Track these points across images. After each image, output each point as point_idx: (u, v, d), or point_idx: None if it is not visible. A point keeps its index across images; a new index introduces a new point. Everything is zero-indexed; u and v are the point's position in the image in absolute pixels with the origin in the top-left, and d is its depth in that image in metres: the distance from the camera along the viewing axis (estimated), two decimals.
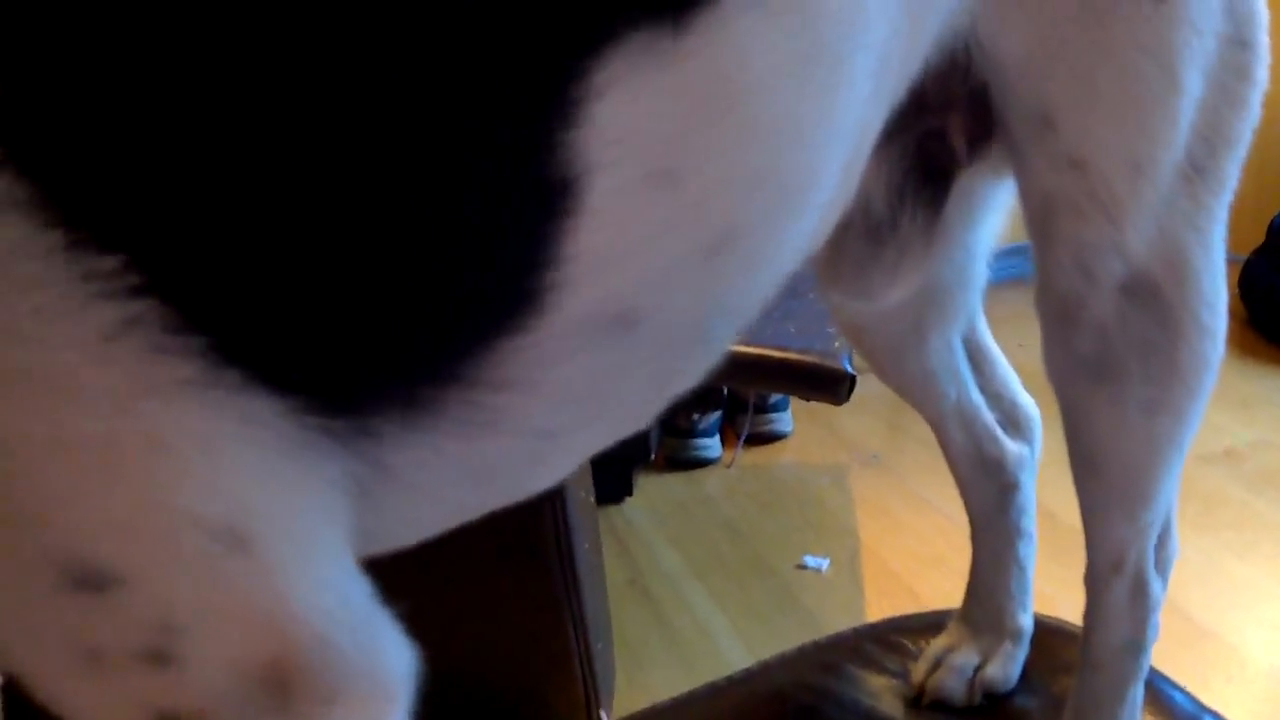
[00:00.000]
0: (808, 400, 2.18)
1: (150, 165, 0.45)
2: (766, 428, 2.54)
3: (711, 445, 2.46)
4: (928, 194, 0.88)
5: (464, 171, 0.50)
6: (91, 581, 0.48)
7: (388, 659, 0.55)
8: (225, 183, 0.46)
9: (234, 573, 0.50)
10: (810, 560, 2.02)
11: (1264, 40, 0.81)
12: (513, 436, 0.58)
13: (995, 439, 1.17)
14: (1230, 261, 2.24)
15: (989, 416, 1.17)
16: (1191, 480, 2.22)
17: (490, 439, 0.57)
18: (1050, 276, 0.83)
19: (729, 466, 2.44)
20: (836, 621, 1.85)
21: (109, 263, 0.44)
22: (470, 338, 0.53)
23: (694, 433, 2.44)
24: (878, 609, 1.88)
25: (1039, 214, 0.82)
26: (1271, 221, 3.01)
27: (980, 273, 1.10)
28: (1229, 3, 0.79)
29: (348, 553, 0.54)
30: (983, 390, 1.17)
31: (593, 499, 1.40)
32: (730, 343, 0.65)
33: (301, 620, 0.51)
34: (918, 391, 1.15)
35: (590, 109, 0.50)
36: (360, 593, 0.54)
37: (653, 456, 2.45)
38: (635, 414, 0.66)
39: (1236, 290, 2.99)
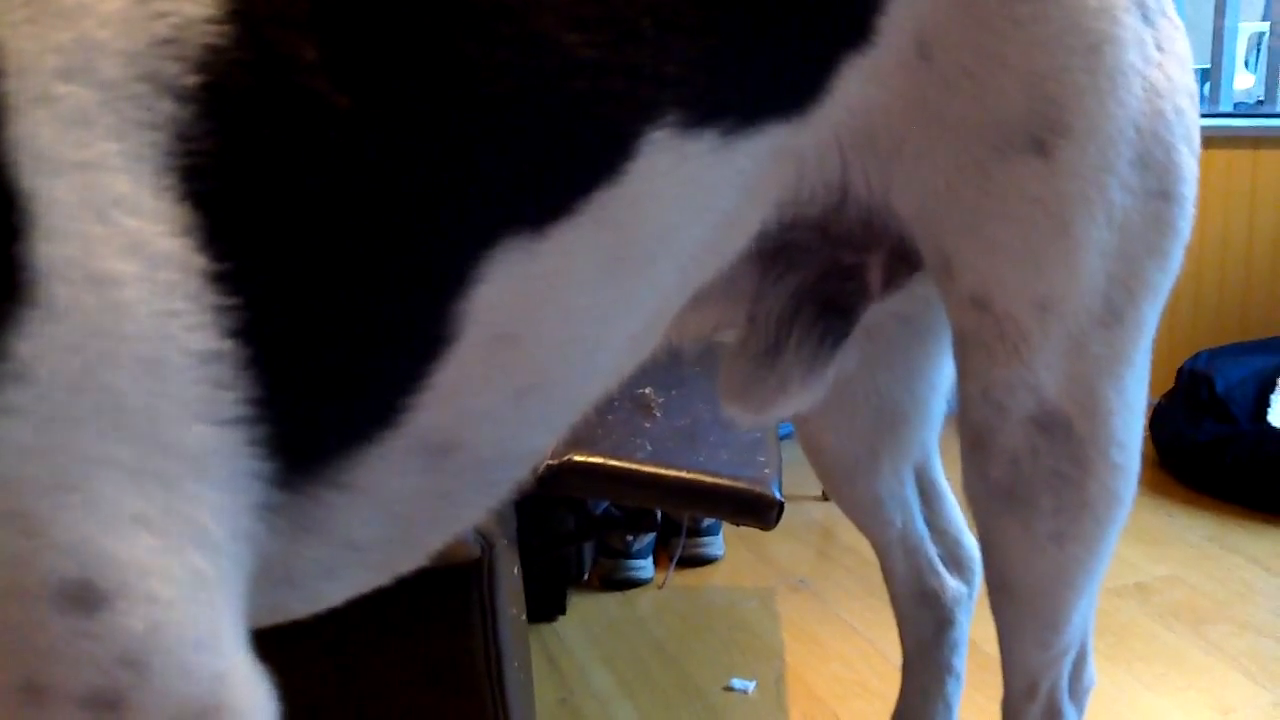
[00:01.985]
0: (738, 525, 2.24)
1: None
2: (698, 550, 2.59)
3: (645, 566, 2.50)
4: (820, 328, 0.92)
5: (386, 317, 0.62)
6: (83, 599, 0.52)
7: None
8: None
9: (213, 599, 0.55)
10: (737, 683, 2.06)
11: (1187, 193, 0.83)
12: (324, 544, 0.66)
13: (936, 573, 1.20)
14: None
15: (932, 550, 1.20)
16: (1104, 614, 2.29)
17: (304, 543, 0.65)
18: (966, 406, 0.87)
19: (661, 587, 2.48)
20: None
21: (230, 301, 0.56)
22: (340, 441, 0.64)
23: (628, 553, 2.48)
24: None
25: (956, 347, 0.86)
26: (1180, 367, 3.14)
27: (938, 406, 1.13)
28: (1142, 156, 0.80)
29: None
30: (929, 524, 1.20)
31: (524, 617, 1.42)
32: (503, 497, 0.77)
33: (239, 667, 0.57)
34: (866, 515, 1.18)
35: (471, 288, 0.64)
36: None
37: (586, 576, 2.49)
38: (422, 545, 0.76)
39: (1148, 432, 3.11)
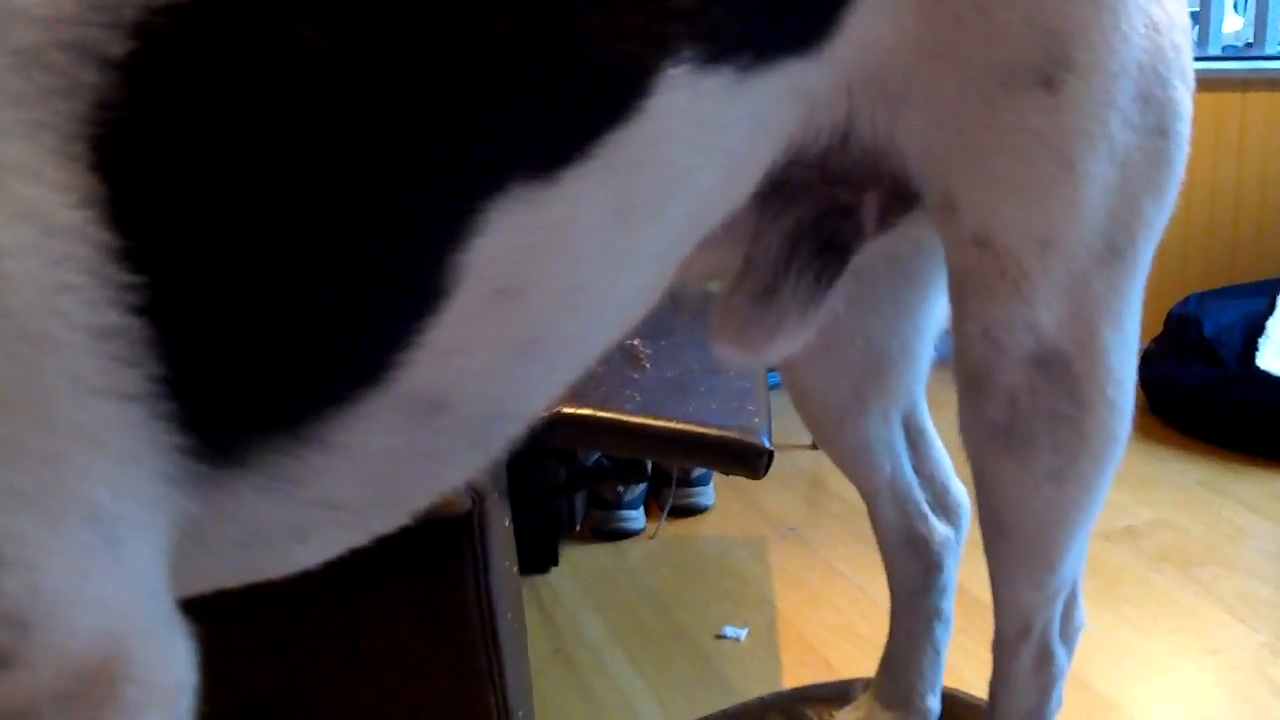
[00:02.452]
0: (728, 475, 2.25)
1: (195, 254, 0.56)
2: (689, 500, 2.60)
3: (636, 517, 2.51)
4: (817, 266, 0.91)
5: (370, 271, 0.60)
6: None
7: (185, 670, 0.61)
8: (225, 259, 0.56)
9: (102, 565, 0.55)
10: (729, 630, 2.07)
11: (1183, 130, 0.83)
12: (300, 503, 0.64)
13: (925, 518, 1.20)
14: None
15: (920, 495, 1.20)
16: (1094, 557, 2.30)
17: (281, 501, 0.63)
18: (963, 346, 0.85)
19: (652, 538, 2.49)
20: (753, 690, 1.89)
21: (134, 278, 0.53)
22: (322, 398, 0.62)
23: (619, 504, 2.49)
24: (793, 678, 1.93)
25: (955, 287, 0.85)
26: (1169, 311, 3.14)
27: (925, 351, 1.12)
28: (1143, 92, 0.80)
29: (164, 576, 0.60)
30: (917, 470, 1.19)
31: (516, 569, 1.43)
32: (493, 456, 0.74)
33: (141, 629, 0.57)
34: (854, 462, 1.18)
35: (470, 240, 0.62)
36: (170, 609, 0.61)
37: (578, 527, 2.49)
38: (402, 506, 0.74)
39: (1138, 376, 3.11)
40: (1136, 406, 2.23)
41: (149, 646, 0.58)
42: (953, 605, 1.20)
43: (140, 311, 0.54)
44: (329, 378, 0.62)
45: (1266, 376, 2.79)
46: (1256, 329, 2.93)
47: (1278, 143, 3.45)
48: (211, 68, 0.55)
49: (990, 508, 0.91)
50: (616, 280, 0.72)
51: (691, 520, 2.58)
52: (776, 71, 0.73)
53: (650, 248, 0.73)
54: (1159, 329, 3.15)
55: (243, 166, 0.56)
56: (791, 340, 0.93)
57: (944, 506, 1.20)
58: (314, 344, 0.60)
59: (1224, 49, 4.42)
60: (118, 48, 0.52)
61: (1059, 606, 0.97)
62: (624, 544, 2.46)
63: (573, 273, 0.68)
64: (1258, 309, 3.00)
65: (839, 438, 1.16)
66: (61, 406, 0.52)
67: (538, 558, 2.31)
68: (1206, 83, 3.52)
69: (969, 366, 0.86)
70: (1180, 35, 0.82)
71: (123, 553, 0.56)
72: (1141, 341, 2.75)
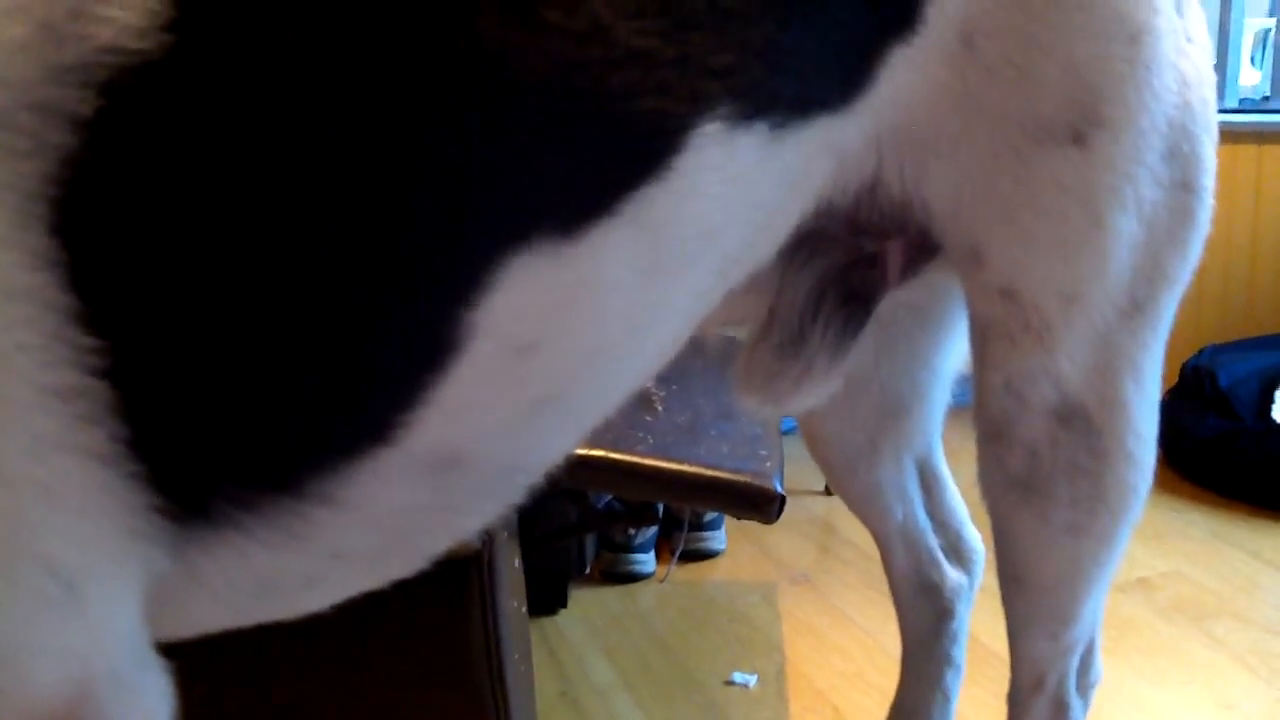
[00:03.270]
0: (740, 519, 2.24)
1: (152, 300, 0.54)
2: (700, 545, 2.59)
3: (646, 560, 2.50)
4: (842, 316, 0.91)
5: (375, 328, 0.58)
6: None
7: (158, 715, 0.60)
8: (183, 315, 0.55)
9: (62, 615, 0.55)
10: (738, 676, 2.06)
11: (1208, 185, 0.84)
12: (310, 555, 0.64)
13: (937, 564, 1.19)
14: None
15: (933, 541, 1.19)
16: (1107, 608, 2.28)
17: (290, 553, 0.63)
18: (985, 396, 0.86)
19: (662, 581, 2.48)
20: None
21: (94, 341, 0.52)
22: (328, 456, 0.61)
23: (630, 548, 2.48)
24: None
25: (977, 337, 0.86)
26: (1184, 364, 3.14)
27: (941, 397, 1.12)
28: (1171, 148, 0.80)
29: (142, 623, 0.59)
30: (930, 515, 1.19)
31: (525, 610, 1.42)
32: (510, 505, 0.73)
33: (106, 675, 0.57)
34: (867, 506, 1.18)
35: (486, 295, 0.60)
36: (143, 655, 0.60)
37: (588, 570, 2.49)
38: (415, 555, 0.73)
39: None
40: None
41: (116, 693, 0.58)
42: (964, 652, 1.19)
43: (102, 374, 0.53)
44: (331, 436, 0.61)
45: None
46: (1272, 382, 2.92)
47: None
48: (197, 120, 0.53)
49: (1008, 559, 0.91)
50: (640, 338, 0.71)
51: (702, 565, 2.57)
52: (810, 128, 0.72)
53: (676, 305, 0.72)
54: (1174, 381, 3.14)
55: (229, 222, 0.54)
56: (818, 391, 0.93)
57: (957, 553, 1.20)
58: (313, 402, 0.59)
59: (1241, 102, 4.43)
60: (87, 108, 0.51)
61: (1075, 660, 0.97)
62: (634, 587, 2.45)
63: (596, 330, 0.67)
64: (1273, 362, 2.99)
65: (852, 482, 1.16)
66: (17, 462, 0.52)
67: (547, 599, 2.30)
68: (1223, 135, 3.52)
69: (990, 417, 0.86)
70: (1208, 89, 0.83)
71: (86, 603, 0.55)
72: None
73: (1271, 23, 4.39)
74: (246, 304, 0.55)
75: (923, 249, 0.87)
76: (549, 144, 0.60)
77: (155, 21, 0.52)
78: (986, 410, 0.86)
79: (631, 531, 2.47)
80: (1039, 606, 0.93)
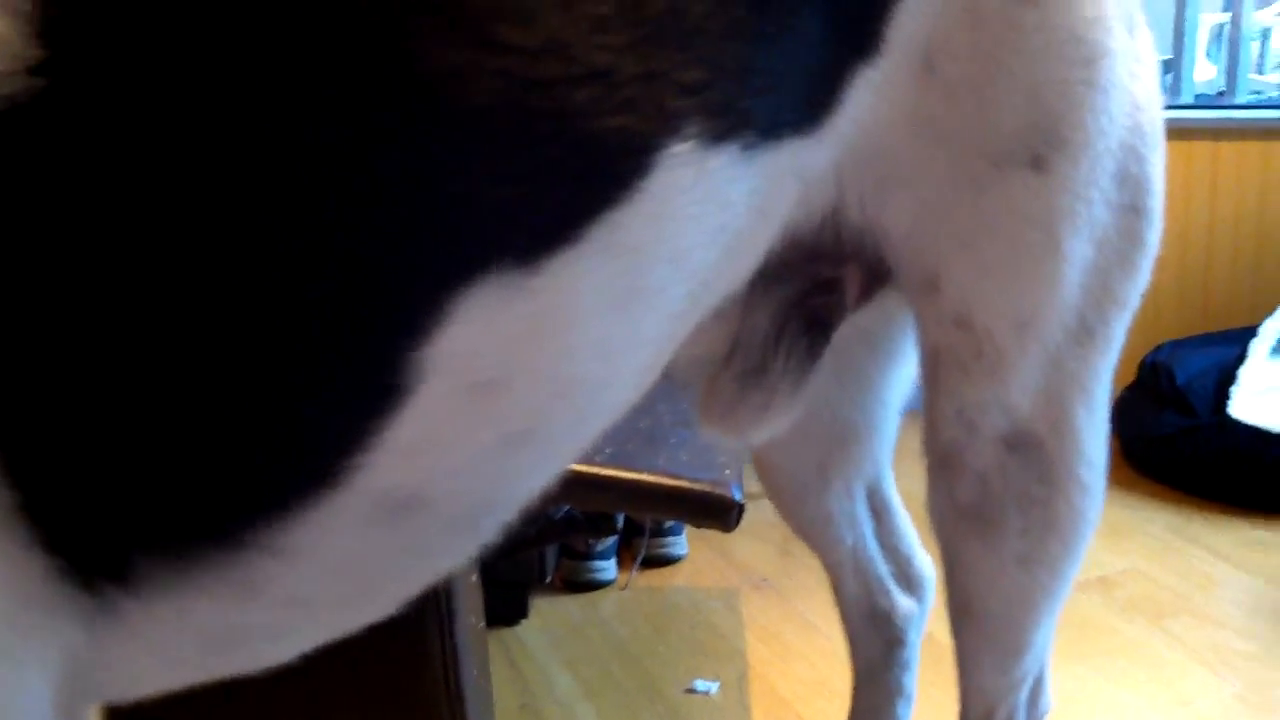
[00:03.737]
0: (699, 527, 2.23)
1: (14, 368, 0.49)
2: (661, 551, 2.58)
3: (608, 568, 2.50)
4: (804, 343, 0.89)
5: (310, 367, 0.54)
6: None
7: None
8: (63, 379, 0.50)
9: None
10: (700, 684, 2.05)
11: (1157, 207, 0.83)
12: (267, 604, 0.60)
13: (887, 592, 1.18)
14: None
15: (883, 568, 1.18)
16: (1065, 607, 2.29)
17: (241, 606, 0.59)
18: (935, 425, 0.84)
19: (624, 588, 2.48)
20: None
21: None
22: (264, 505, 0.56)
23: (591, 555, 2.47)
24: None
25: (928, 365, 0.84)
26: (1142, 360, 3.15)
27: (890, 423, 1.11)
28: (1122, 171, 0.79)
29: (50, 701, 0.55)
30: (880, 542, 1.17)
31: (483, 624, 1.41)
32: (489, 540, 0.69)
33: None
34: (816, 533, 1.16)
35: (439, 332, 0.57)
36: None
37: (549, 579, 2.48)
38: (386, 598, 0.69)
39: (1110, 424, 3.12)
40: (1112, 453, 2.21)
41: None
42: (915, 681, 1.18)
43: None
44: (269, 483, 0.56)
45: (1239, 425, 2.79)
46: (1228, 377, 2.94)
47: (1249, 191, 3.47)
48: (86, 156, 0.49)
49: (958, 589, 0.90)
50: (616, 367, 0.68)
51: (664, 571, 2.56)
52: (779, 151, 0.70)
53: (650, 332, 0.69)
54: (1131, 377, 3.16)
55: (135, 257, 0.50)
56: (780, 420, 0.91)
57: (908, 579, 1.18)
58: (246, 449, 0.55)
59: (1196, 97, 4.46)
60: None
61: (1024, 693, 0.95)
62: (595, 595, 2.45)
63: (566, 363, 0.63)
64: (1230, 357, 3.01)
65: (802, 510, 1.14)
66: None
67: (507, 610, 2.29)
68: (1179, 132, 3.56)
69: (940, 446, 0.85)
70: (1157, 111, 0.82)
71: (52, 683, 0.53)
72: (1114, 390, 2.74)
73: (1226, 17, 4.43)
74: (158, 344, 0.51)
75: (878, 273, 0.86)
76: (505, 169, 0.56)
77: (20, 64, 0.47)
78: (937, 439, 0.85)
79: (591, 540, 2.46)
80: (988, 638, 0.91)
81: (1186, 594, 2.35)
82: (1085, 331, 0.81)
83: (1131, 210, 0.81)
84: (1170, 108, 4.27)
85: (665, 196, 0.63)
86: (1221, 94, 4.45)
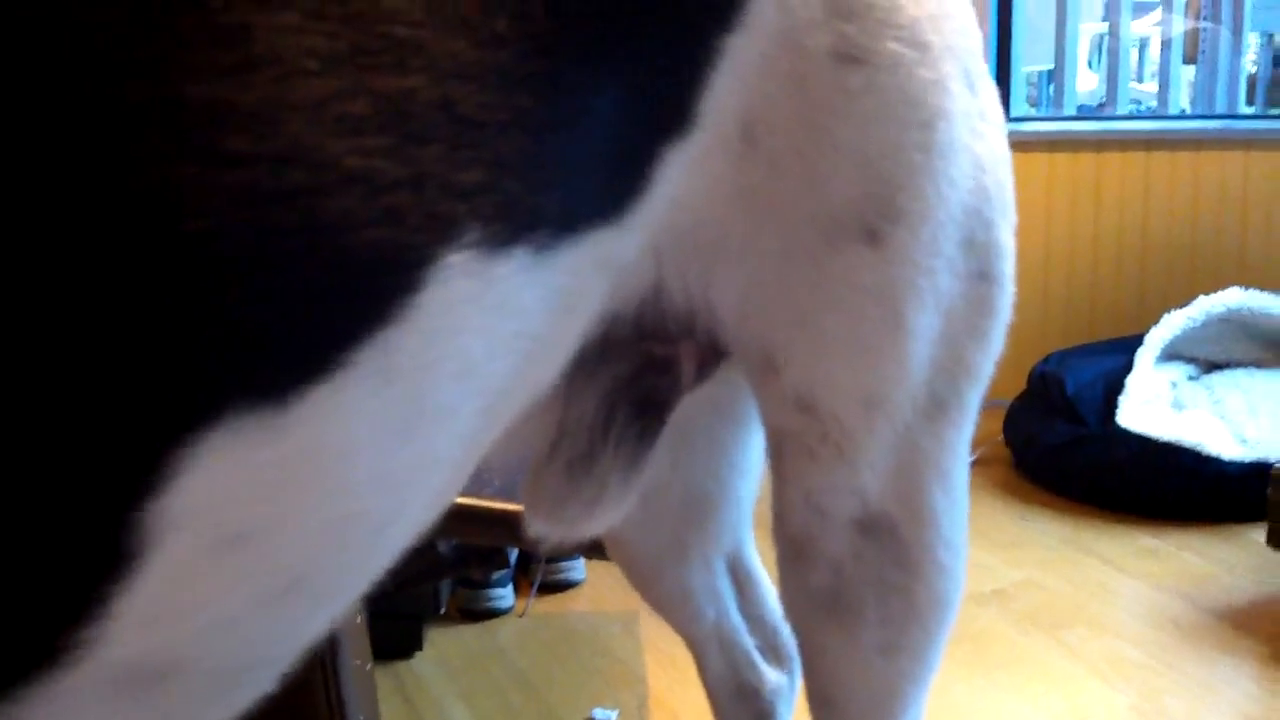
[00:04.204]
0: (589, 559, 2.20)
1: None
2: (560, 576, 2.55)
3: (505, 595, 2.45)
4: (636, 428, 0.84)
5: (20, 537, 0.47)
6: None
7: None
8: None
9: None
10: (599, 713, 2.02)
11: (1007, 271, 0.79)
12: None
13: (754, 665, 1.13)
14: (994, 407, 2.40)
15: (749, 641, 1.13)
16: (962, 620, 2.28)
17: None
18: (784, 512, 0.80)
19: (522, 615, 2.44)
20: None
21: None
22: None
23: (487, 583, 2.43)
24: None
25: (773, 449, 0.80)
26: (1032, 369, 3.20)
27: (748, 491, 1.05)
28: (968, 237, 0.75)
29: None
30: (744, 614, 1.13)
31: (370, 665, 1.37)
32: (265, 690, 0.62)
33: None
34: (676, 611, 1.10)
35: (171, 485, 0.49)
36: None
37: (443, 609, 2.42)
38: None
39: (1002, 435, 3.16)
40: (1001, 464, 2.23)
41: None
42: None
43: None
44: None
45: (1127, 434, 2.84)
46: (1117, 386, 2.99)
47: (1132, 202, 3.54)
48: None
49: (817, 681, 0.85)
50: (401, 498, 0.61)
51: (562, 596, 2.53)
52: (581, 245, 0.64)
53: (440, 455, 0.62)
54: (1022, 387, 3.20)
55: None
56: (614, 511, 0.85)
57: (774, 651, 1.14)
58: None
59: (1079, 108, 4.56)
60: None
61: None
62: (493, 624, 2.40)
63: (336, 503, 0.56)
64: (1117, 366, 3.06)
65: (659, 587, 1.09)
66: None
67: (400, 642, 2.24)
68: (1062, 144, 3.63)
69: (790, 533, 0.81)
70: (1003, 170, 0.78)
71: None
72: (1005, 399, 2.78)
73: (1105, 27, 4.53)
74: None
75: (717, 348, 0.81)
76: (242, 296, 0.49)
77: None
78: (786, 527, 0.80)
79: (487, 567, 2.42)
80: None
81: (1082, 604, 2.38)
82: (937, 406, 0.77)
83: (980, 277, 0.77)
84: (1053, 119, 4.36)
85: (445, 311, 0.56)
86: (1103, 104, 4.54)
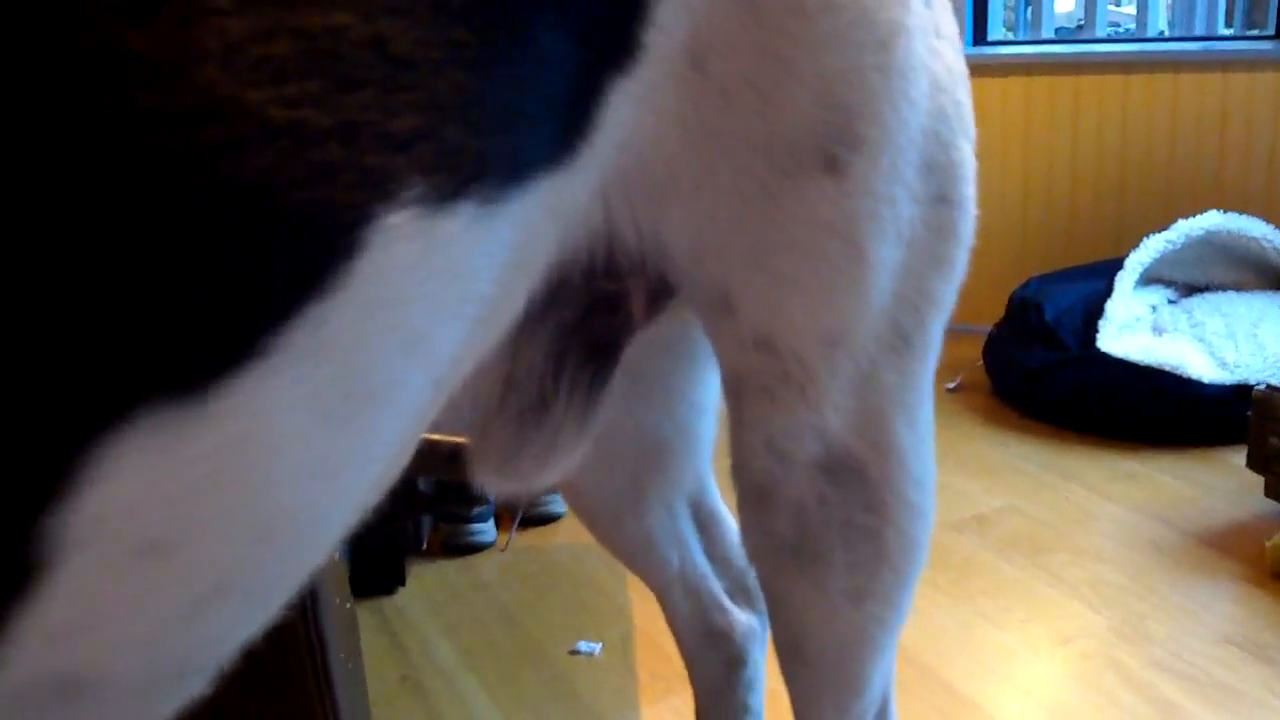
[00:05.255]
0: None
1: None
2: (541, 509, 2.54)
3: (486, 530, 2.44)
4: (588, 371, 0.81)
5: None
6: None
7: None
8: None
9: None
10: (583, 645, 2.02)
11: (968, 193, 0.76)
12: None
13: (723, 609, 1.11)
14: (974, 333, 2.39)
15: (716, 585, 1.10)
16: (944, 549, 2.31)
17: None
18: (743, 457, 0.77)
19: (504, 550, 2.43)
20: (609, 708, 1.85)
21: None
22: None
23: (468, 518, 2.42)
24: (649, 691, 1.89)
25: (730, 392, 0.77)
26: (1011, 294, 3.18)
27: (706, 430, 1.02)
28: (927, 160, 0.73)
29: None
30: (710, 557, 1.09)
31: (350, 604, 1.36)
32: (192, 697, 0.58)
33: None
34: (639, 559, 1.08)
35: (79, 492, 0.44)
36: None
37: (425, 544, 2.41)
38: None
39: (981, 361, 3.15)
40: (981, 390, 2.21)
41: None
42: (762, 700, 1.12)
43: None
44: None
45: (1107, 358, 2.83)
46: (1096, 311, 2.98)
47: (1111, 125, 3.52)
48: None
49: (785, 631, 0.83)
50: (340, 485, 0.56)
51: (544, 530, 2.52)
52: (528, 194, 0.59)
53: (384, 435, 0.57)
54: (1000, 313, 3.19)
55: None
56: (568, 460, 0.82)
57: (744, 592, 1.11)
58: None
59: (1057, 31, 4.51)
60: None
61: None
62: (475, 559, 2.39)
63: (267, 499, 0.51)
64: (1096, 290, 3.05)
65: (619, 535, 1.06)
66: None
67: (383, 579, 2.23)
68: (1040, 67, 3.59)
69: (751, 479, 0.78)
70: (962, 89, 0.75)
71: None
72: (984, 325, 2.75)
73: None
74: None
75: (666, 288, 0.78)
76: (153, 275, 0.43)
77: None
78: (747, 472, 0.78)
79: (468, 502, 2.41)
80: (823, 679, 0.84)
81: (1063, 529, 2.39)
82: (901, 340, 0.75)
83: (940, 201, 0.74)
84: (1032, 43, 4.32)
85: (385, 278, 0.51)
86: (1080, 27, 4.50)
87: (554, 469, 0.82)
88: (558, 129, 0.60)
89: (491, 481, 0.82)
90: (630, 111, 0.64)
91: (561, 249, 0.67)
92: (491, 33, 0.54)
